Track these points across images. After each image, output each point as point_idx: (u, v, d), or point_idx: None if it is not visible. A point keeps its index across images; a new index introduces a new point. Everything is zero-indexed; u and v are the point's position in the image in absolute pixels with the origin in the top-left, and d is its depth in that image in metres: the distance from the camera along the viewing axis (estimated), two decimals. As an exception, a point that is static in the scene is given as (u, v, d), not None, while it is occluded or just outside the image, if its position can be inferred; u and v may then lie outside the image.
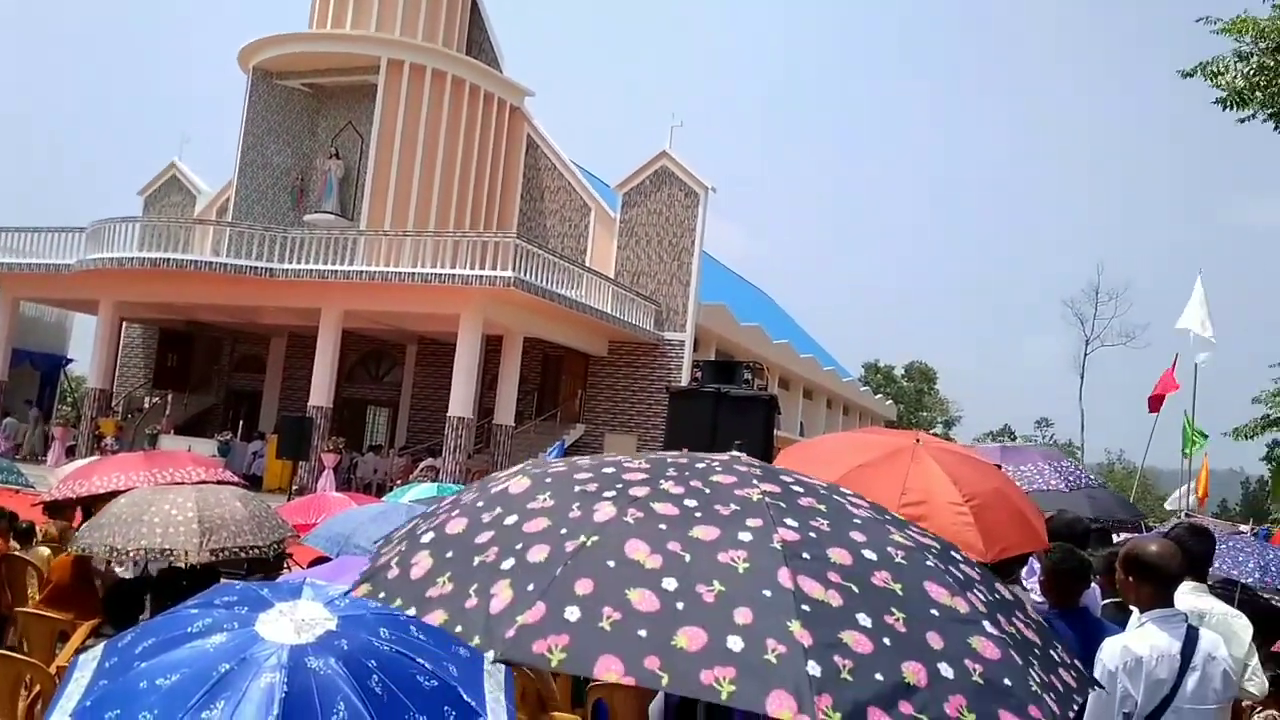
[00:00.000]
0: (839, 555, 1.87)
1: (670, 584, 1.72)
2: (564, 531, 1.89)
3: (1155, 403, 15.90)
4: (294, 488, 20.33)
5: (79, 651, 5.29)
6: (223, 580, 5.30)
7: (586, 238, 29.36)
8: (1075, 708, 1.90)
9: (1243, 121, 12.06)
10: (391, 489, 24.32)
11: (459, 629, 1.85)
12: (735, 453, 2.38)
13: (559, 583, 1.78)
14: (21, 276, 27.07)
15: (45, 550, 7.57)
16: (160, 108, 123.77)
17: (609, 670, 1.64)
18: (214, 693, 2.37)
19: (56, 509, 7.77)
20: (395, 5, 28.46)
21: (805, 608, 1.71)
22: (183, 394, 31.48)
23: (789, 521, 1.93)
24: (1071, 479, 7.99)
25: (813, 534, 1.92)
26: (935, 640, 1.75)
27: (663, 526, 1.86)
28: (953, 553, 2.13)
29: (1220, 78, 11.64)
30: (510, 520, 1.98)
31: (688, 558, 1.78)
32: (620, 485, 2.06)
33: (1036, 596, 4.75)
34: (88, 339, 30.28)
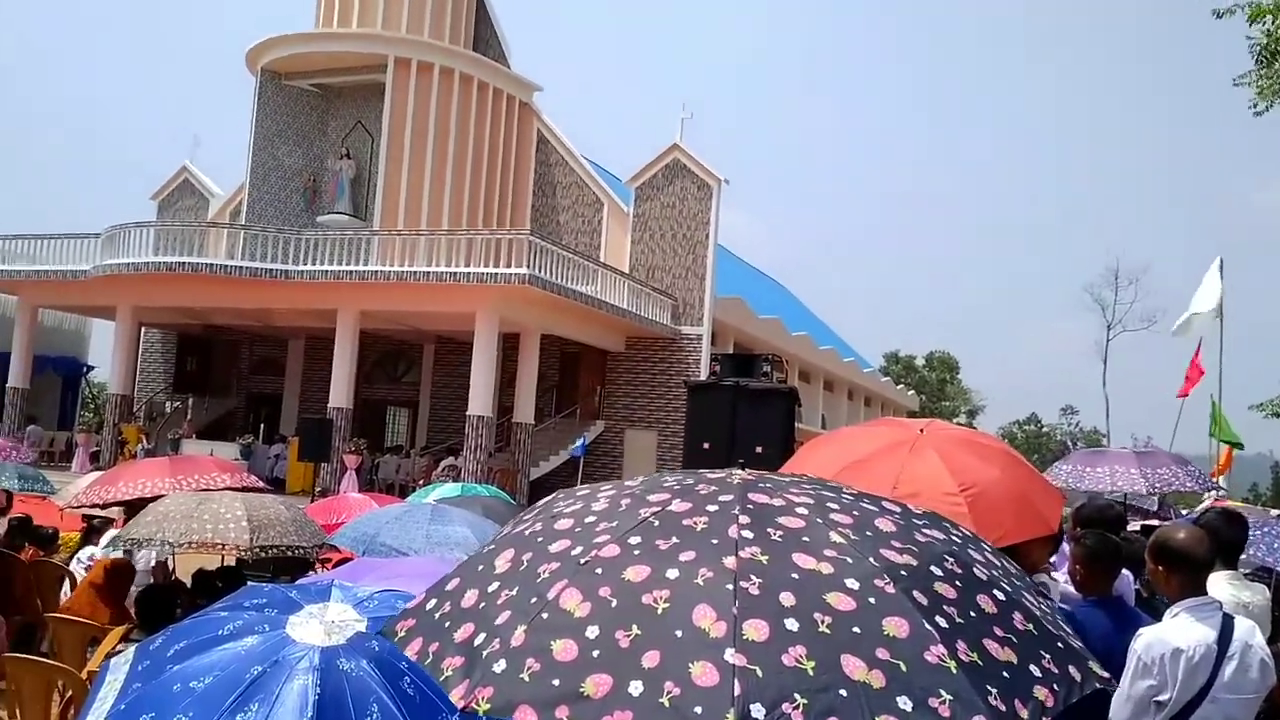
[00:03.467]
0: (787, 588, 1.84)
1: (593, 631, 1.78)
2: (519, 589, 1.94)
3: (1186, 389, 15.82)
4: (316, 490, 20.39)
5: (110, 656, 5.32)
6: (249, 583, 5.32)
7: (600, 233, 29.32)
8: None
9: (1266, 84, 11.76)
10: (414, 489, 24.41)
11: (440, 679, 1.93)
12: (734, 470, 2.36)
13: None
14: (39, 284, 27.25)
15: (95, 549, 7.57)
16: (169, 111, 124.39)
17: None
18: (248, 695, 2.37)
19: (93, 516, 7.82)
20: (401, 2, 28.42)
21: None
22: (203, 398, 31.65)
23: (744, 552, 1.91)
24: (1204, 481, 8.02)
25: (767, 560, 1.90)
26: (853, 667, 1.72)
27: (599, 571, 1.90)
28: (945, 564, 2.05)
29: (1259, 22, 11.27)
30: (492, 587, 2.01)
31: (614, 603, 1.82)
32: (584, 538, 2.08)
33: (1068, 584, 4.69)
34: (107, 345, 30.48)
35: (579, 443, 21.71)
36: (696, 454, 11.41)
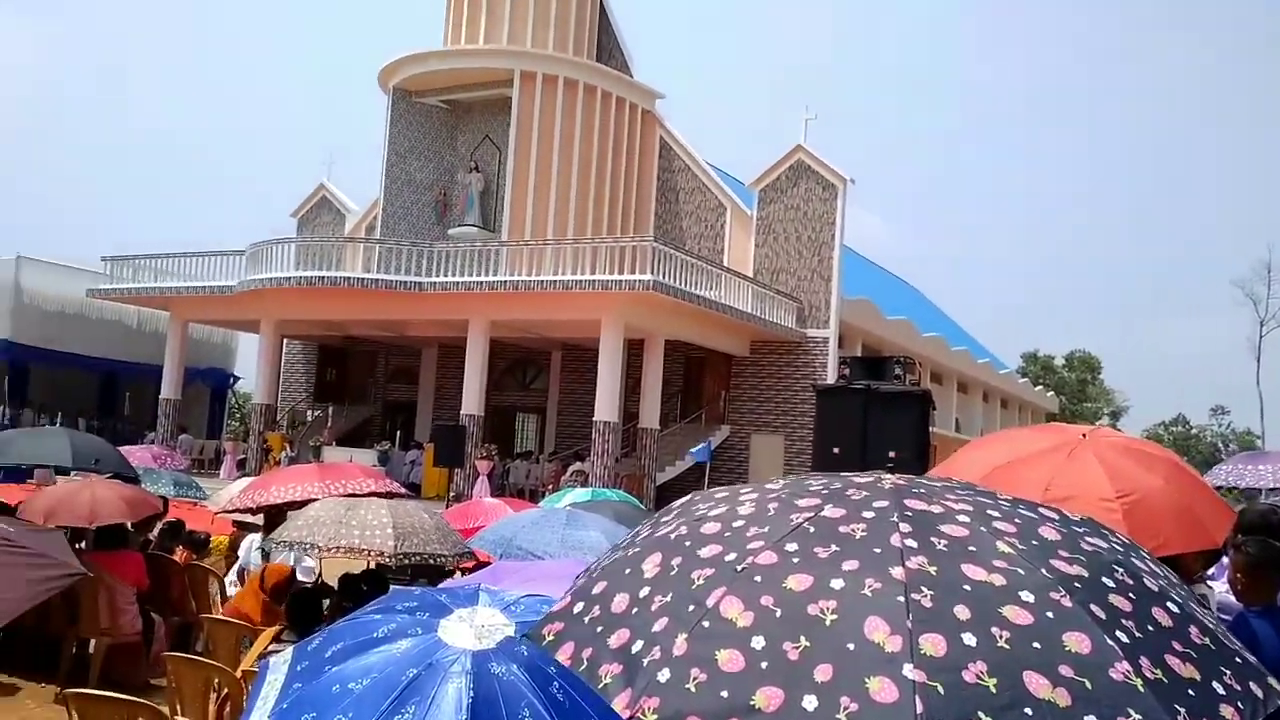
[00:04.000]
0: (961, 601, 1.76)
1: (758, 642, 1.73)
2: (673, 595, 1.91)
3: None
4: (451, 494, 20.89)
5: (264, 655, 5.52)
6: (393, 587, 5.45)
7: (723, 237, 29.25)
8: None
9: None
10: (543, 494, 24.79)
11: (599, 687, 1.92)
12: (881, 473, 2.29)
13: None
14: (189, 300, 28.69)
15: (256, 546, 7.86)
16: (307, 130, 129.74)
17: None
18: (404, 697, 2.41)
19: (244, 521, 8.17)
20: (526, 18, 28.97)
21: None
22: (342, 406, 32.82)
23: (911, 562, 1.84)
24: None
25: (936, 570, 1.82)
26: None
27: (758, 578, 1.85)
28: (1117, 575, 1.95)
29: None
30: (643, 592, 1.99)
31: (778, 612, 1.78)
32: (736, 542, 2.03)
33: (1226, 594, 4.43)
34: (252, 357, 31.93)
35: (704, 447, 21.62)
36: (826, 459, 11.24)
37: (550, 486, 24.62)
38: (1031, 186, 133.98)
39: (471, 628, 2.69)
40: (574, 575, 4.66)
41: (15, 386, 32.16)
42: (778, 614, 1.76)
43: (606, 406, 23.21)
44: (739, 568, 1.89)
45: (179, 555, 9.07)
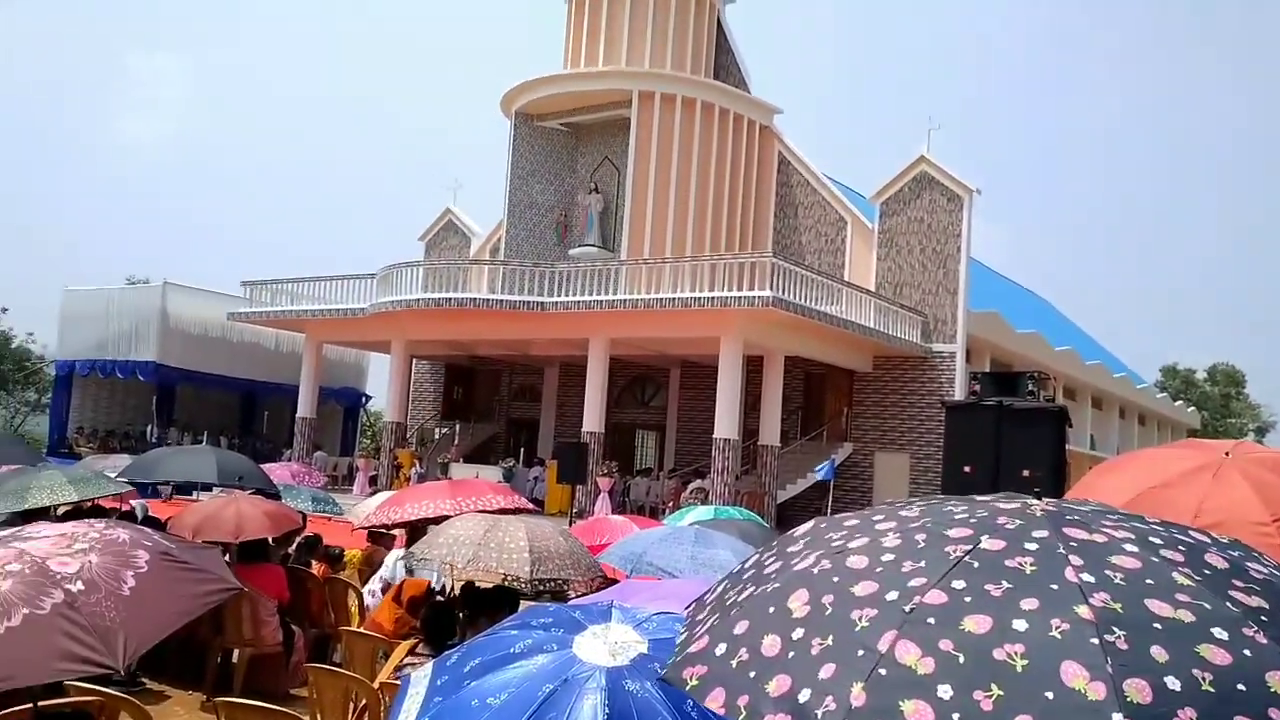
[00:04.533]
0: (1155, 641, 1.67)
1: (945, 691, 1.66)
2: (834, 638, 1.86)
3: None
4: (573, 510, 21.11)
5: (400, 668, 5.64)
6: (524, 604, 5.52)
7: (844, 251, 28.87)
8: None
9: None
10: (664, 511, 24.82)
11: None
12: (1024, 497, 2.18)
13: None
14: (324, 322, 29.77)
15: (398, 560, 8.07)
16: (433, 157, 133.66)
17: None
18: (541, 713, 2.43)
19: (377, 535, 8.41)
20: (644, 39, 29.26)
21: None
22: (468, 424, 33.59)
23: (1094, 599, 1.74)
24: None
25: (1121, 608, 1.73)
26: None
27: (931, 620, 1.77)
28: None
29: None
30: (797, 634, 1.92)
31: (961, 658, 1.70)
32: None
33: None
34: (382, 377, 32.96)
35: (827, 465, 21.29)
36: (956, 478, 10.93)
37: (670, 503, 24.63)
38: (1167, 194, 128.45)
39: (605, 644, 2.71)
40: (698, 594, 4.62)
41: (163, 406, 33.95)
42: (960, 659, 1.67)
43: (726, 423, 23.10)
44: (907, 608, 1.79)
45: (317, 569, 9.38)
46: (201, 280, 35.98)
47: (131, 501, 10.83)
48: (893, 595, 1.83)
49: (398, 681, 5.30)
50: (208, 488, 11.24)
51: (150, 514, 10.82)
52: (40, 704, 2.96)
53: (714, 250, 27.56)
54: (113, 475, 8.89)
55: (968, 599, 1.78)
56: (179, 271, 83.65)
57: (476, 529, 4.96)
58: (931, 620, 1.75)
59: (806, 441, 27.56)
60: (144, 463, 10.03)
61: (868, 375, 27.55)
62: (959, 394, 24.48)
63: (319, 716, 5.84)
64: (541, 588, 5.02)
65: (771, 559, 2.21)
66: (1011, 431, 10.61)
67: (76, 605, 2.29)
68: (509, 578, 4.82)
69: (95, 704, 3.90)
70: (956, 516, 2.08)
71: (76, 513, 8.27)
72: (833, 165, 32.87)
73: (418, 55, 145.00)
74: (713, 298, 22.45)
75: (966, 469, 10.82)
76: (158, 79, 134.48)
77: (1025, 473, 10.16)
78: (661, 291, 23.51)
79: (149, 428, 33.16)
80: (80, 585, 2.37)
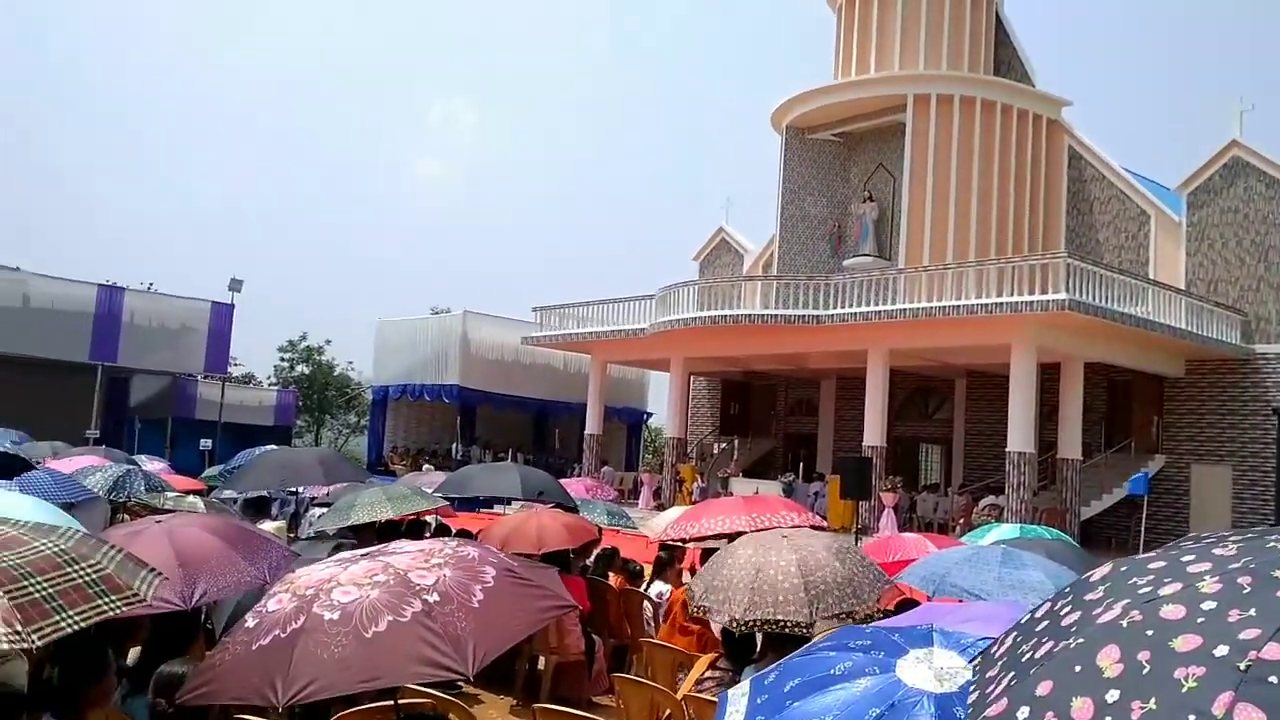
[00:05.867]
0: None
1: (1113, 695, 1.59)
2: (1157, 701, 1.63)
3: None
4: (856, 527, 20.71)
5: (699, 681, 5.72)
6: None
7: (1147, 248, 26.70)
8: None
9: None
10: (953, 528, 23.89)
11: None
12: None
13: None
14: (608, 343, 30.95)
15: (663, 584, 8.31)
16: (705, 177, 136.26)
17: None
18: (869, 738, 2.38)
19: (669, 548, 8.62)
20: (917, 41, 28.49)
21: None
22: (745, 439, 33.81)
23: None
24: None
25: None
26: None
27: (1274, 680, 1.52)
28: None
29: None
30: (1111, 696, 1.70)
31: (1146, 669, 1.57)
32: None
33: None
34: (662, 394, 33.85)
35: (1141, 478, 19.65)
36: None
37: (961, 520, 23.64)
38: None
39: (930, 669, 2.61)
40: (1009, 618, 4.34)
41: (465, 426, 36.56)
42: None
43: (1020, 436, 21.87)
44: (1241, 665, 1.56)
45: (614, 581, 9.72)
46: (490, 307, 38.50)
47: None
48: (1222, 650, 1.60)
49: (701, 695, 5.39)
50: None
51: (442, 522, 11.73)
52: (401, 702, 3.24)
53: (1000, 254, 26.28)
54: (429, 491, 9.62)
55: None
56: (472, 299, 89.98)
57: (746, 572, 4.85)
58: (1274, 679, 1.52)
59: (1111, 454, 25.64)
60: (456, 480, 10.81)
61: (1180, 380, 25.30)
62: (1293, 400, 21.98)
63: (625, 725, 6.03)
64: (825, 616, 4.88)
65: (1067, 608, 1.98)
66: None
67: (433, 614, 2.48)
68: (788, 624, 4.71)
69: (427, 705, 4.21)
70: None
71: (391, 525, 8.99)
72: (1129, 156, 30.54)
73: (681, 73, 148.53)
74: (1001, 303, 21.36)
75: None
76: (451, 121, 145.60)
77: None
78: (944, 299, 22.64)
79: (454, 445, 35.80)
80: (436, 596, 2.57)
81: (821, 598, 4.86)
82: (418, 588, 2.59)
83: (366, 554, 2.96)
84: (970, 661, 2.69)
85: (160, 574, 3.07)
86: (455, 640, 2.40)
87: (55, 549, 2.79)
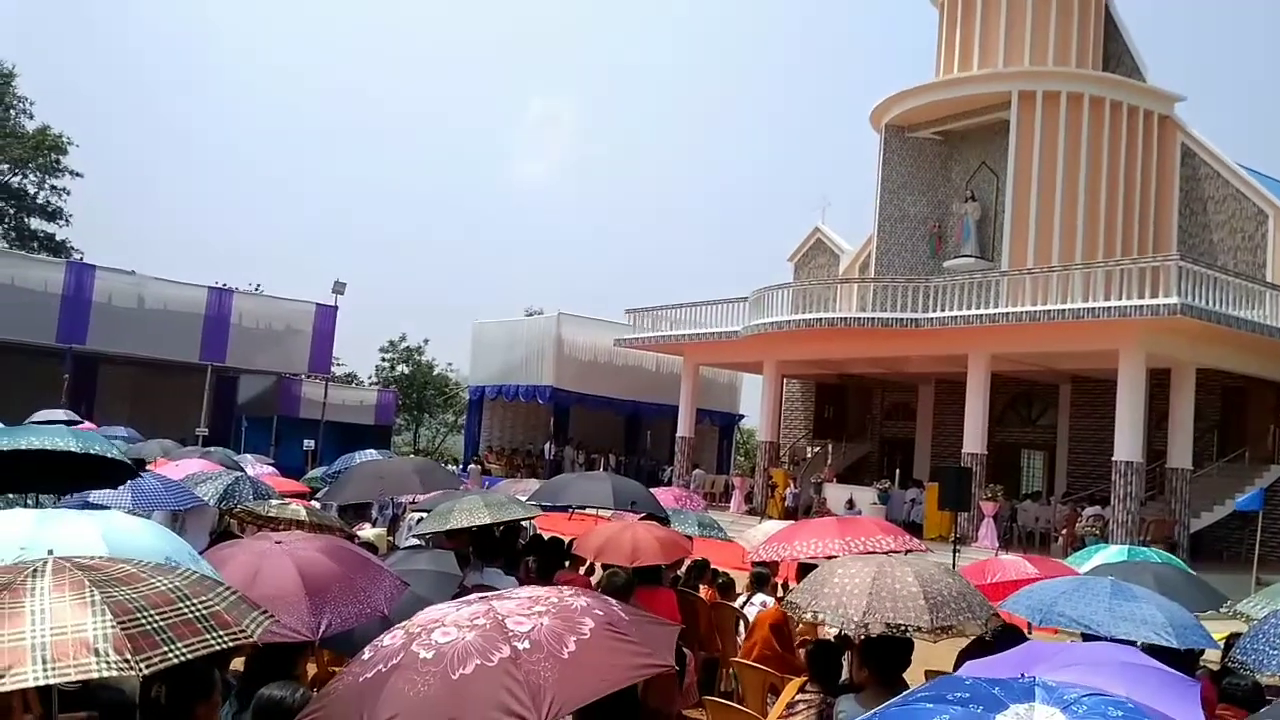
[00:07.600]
0: None
1: None
2: None
3: None
4: (955, 536, 20.25)
5: (789, 706, 5.64)
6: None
7: (1264, 249, 25.52)
8: None
9: None
10: (1055, 539, 23.21)
11: None
12: None
13: None
14: (700, 345, 30.89)
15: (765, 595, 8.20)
16: (801, 178, 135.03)
17: None
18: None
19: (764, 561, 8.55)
20: (1022, 37, 27.75)
21: None
22: (840, 443, 33.38)
23: None
24: None
25: None
26: None
27: None
28: None
29: None
30: None
31: None
32: None
33: None
34: (754, 397, 33.65)
35: (1256, 494, 18.76)
36: None
37: (1065, 530, 22.96)
38: None
39: (1029, 728, 2.50)
40: (1117, 663, 4.16)
41: (559, 426, 36.88)
42: None
43: (1127, 444, 21.12)
44: None
45: (704, 593, 9.67)
46: (584, 307, 38.74)
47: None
48: None
49: (792, 721, 5.30)
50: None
51: (537, 532, 11.86)
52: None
53: (1108, 256, 25.42)
54: (524, 499, 9.70)
55: None
56: (566, 300, 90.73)
57: (863, 576, 4.80)
58: None
59: (1226, 464, 24.61)
60: (550, 488, 10.89)
61: (1301, 388, 24.14)
62: None
63: (716, 748, 5.98)
64: (945, 636, 4.76)
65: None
66: None
67: (519, 662, 2.49)
68: (909, 628, 4.63)
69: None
70: None
71: (486, 530, 9.06)
72: (1246, 153, 29.27)
73: (777, 72, 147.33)
74: (1109, 307, 20.65)
75: None
76: (550, 120, 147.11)
77: None
78: (1049, 303, 21.97)
79: (547, 445, 36.16)
80: (527, 644, 2.58)
81: (940, 607, 4.79)
82: (511, 634, 2.61)
83: (482, 597, 3.02)
84: (1074, 719, 2.59)
85: (272, 616, 3.17)
86: (534, 689, 2.41)
87: (171, 586, 2.91)
